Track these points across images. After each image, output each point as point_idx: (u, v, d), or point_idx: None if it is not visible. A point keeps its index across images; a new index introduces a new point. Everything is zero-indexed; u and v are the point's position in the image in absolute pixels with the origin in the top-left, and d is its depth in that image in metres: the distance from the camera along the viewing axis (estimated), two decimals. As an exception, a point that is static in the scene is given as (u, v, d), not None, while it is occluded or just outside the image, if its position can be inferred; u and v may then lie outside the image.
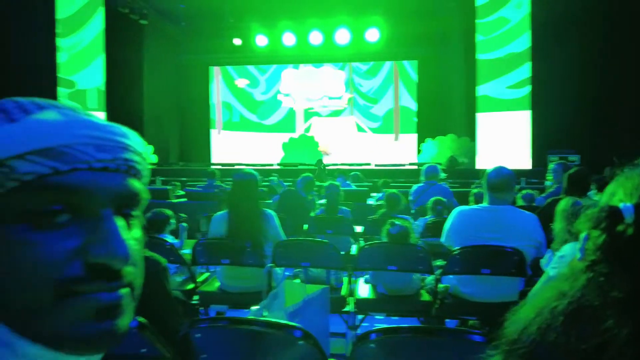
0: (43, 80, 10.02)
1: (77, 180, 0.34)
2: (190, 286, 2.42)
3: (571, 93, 8.60)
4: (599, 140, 8.28)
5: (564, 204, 1.60)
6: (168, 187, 5.17)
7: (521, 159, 9.43)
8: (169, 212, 2.74)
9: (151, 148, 11.71)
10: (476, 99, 9.94)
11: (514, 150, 9.59)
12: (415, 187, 3.87)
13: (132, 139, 0.39)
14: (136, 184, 0.38)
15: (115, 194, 0.36)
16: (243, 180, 2.35)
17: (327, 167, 8.91)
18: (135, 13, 11.02)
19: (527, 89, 9.48)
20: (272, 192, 4.72)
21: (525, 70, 9.48)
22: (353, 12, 11.72)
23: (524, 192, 4.11)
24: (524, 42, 9.46)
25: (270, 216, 2.39)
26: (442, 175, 3.91)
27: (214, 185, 5.08)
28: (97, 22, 10.60)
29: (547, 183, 4.15)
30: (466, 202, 4.25)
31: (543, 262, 1.79)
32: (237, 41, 12.59)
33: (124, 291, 0.36)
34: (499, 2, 9.74)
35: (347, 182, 5.26)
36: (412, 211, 3.67)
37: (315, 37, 12.35)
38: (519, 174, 8.18)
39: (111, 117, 10.72)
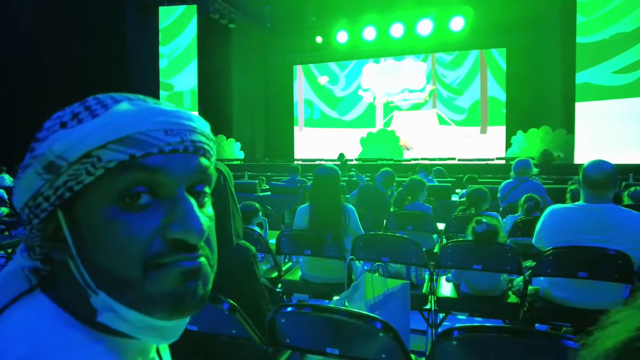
0: (148, 84, 11.22)
1: (151, 163, 0.38)
2: (275, 274, 2.56)
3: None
4: None
5: None
6: (255, 182, 5.47)
7: (629, 152, 8.41)
8: (256, 204, 2.91)
9: (239, 145, 12.46)
10: (575, 87, 9.03)
11: (620, 142, 8.58)
12: (504, 183, 3.64)
13: (197, 121, 0.43)
14: (204, 162, 0.42)
15: (186, 173, 0.40)
16: (324, 176, 2.41)
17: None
18: (225, 18, 11.77)
19: (638, 73, 8.40)
20: (352, 186, 4.77)
21: (634, 53, 8.40)
22: (437, 2, 11.30)
23: (632, 189, 3.67)
24: (632, 21, 8.38)
25: (351, 210, 2.43)
26: (535, 170, 3.62)
27: (297, 180, 5.29)
28: (192, 28, 11.52)
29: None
30: (562, 200, 3.92)
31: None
32: (319, 39, 12.86)
33: (202, 260, 0.40)
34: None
35: (430, 177, 5.11)
36: (501, 209, 3.46)
37: (397, 30, 12.13)
38: (627, 169, 7.31)
39: (203, 116, 11.57)
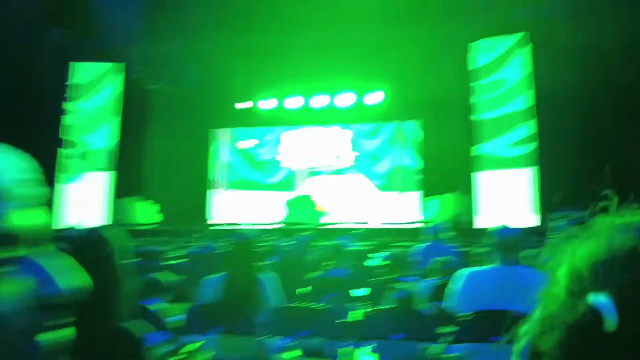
0: (51, 140, 10.35)
1: None
2: (180, 357, 2.24)
3: (577, 149, 8.68)
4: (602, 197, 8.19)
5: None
6: (164, 249, 5.04)
7: (524, 216, 9.31)
8: (162, 275, 2.61)
9: (156, 208, 11.72)
10: (476, 157, 10.03)
11: (517, 208, 9.49)
12: (420, 246, 3.73)
13: None
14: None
15: None
16: (239, 242, 2.24)
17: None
18: (149, 79, 11.56)
19: (529, 146, 9.58)
20: (272, 252, 4.57)
21: (525, 128, 9.65)
22: (357, 76, 12.22)
23: (530, 251, 3.96)
24: (523, 101, 9.73)
25: (269, 280, 2.25)
26: (448, 234, 3.78)
27: (212, 247, 4.96)
28: (111, 86, 11.11)
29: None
30: (472, 263, 4.09)
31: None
32: (242, 105, 13.06)
33: None
34: (495, 65, 10.14)
35: (350, 241, 5.11)
36: (418, 272, 3.50)
37: (320, 100, 12.78)
38: (524, 232, 8.03)
39: (117, 177, 10.87)
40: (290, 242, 4.92)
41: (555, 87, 9.22)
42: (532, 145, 9.52)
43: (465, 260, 3.60)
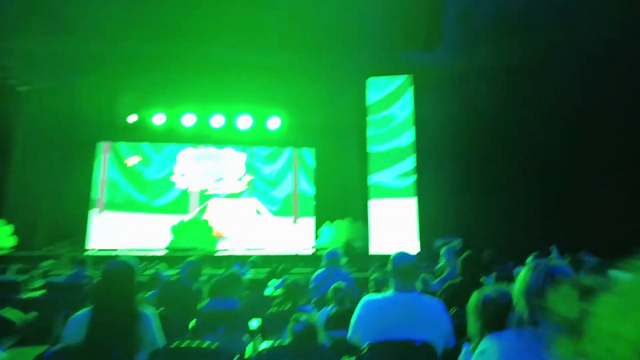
0: None
1: None
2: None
3: (452, 182, 9.65)
4: (477, 226, 9.22)
5: (474, 299, 1.53)
6: (20, 278, 4.21)
7: (410, 243, 9.99)
8: (11, 313, 2.13)
9: (10, 228, 10.00)
10: (369, 186, 10.58)
11: (404, 235, 10.17)
12: (316, 273, 3.67)
13: None
14: None
15: None
16: (115, 271, 1.89)
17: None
18: (16, 78, 9.99)
19: (413, 178, 10.42)
20: (155, 283, 4.09)
21: (410, 161, 10.50)
22: (255, 100, 12.14)
23: (420, 276, 4.18)
24: (409, 137, 10.62)
25: (148, 317, 1.93)
26: (344, 260, 3.79)
27: (83, 276, 4.26)
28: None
29: (439, 267, 4.30)
30: (366, 288, 4.16)
31: (461, 358, 1.66)
32: (132, 118, 12.03)
33: None
34: (386, 102, 10.96)
35: (244, 269, 4.86)
36: (313, 300, 3.42)
37: (217, 120, 12.40)
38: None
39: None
40: (175, 271, 4.51)
41: (433, 125, 10.29)
42: (414, 178, 10.38)
43: (361, 285, 3.63)
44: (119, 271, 1.89)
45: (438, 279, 3.87)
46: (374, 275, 3.55)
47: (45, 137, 11.35)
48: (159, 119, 12.15)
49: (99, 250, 10.22)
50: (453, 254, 3.99)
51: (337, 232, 11.00)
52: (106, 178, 12.54)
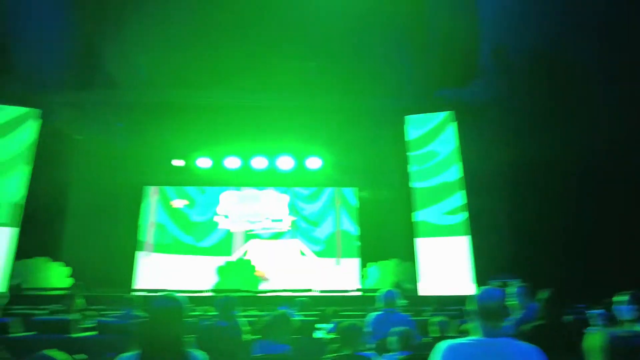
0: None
1: None
2: None
3: (505, 220, 9.09)
4: (533, 265, 8.54)
5: (600, 339, 1.26)
6: (75, 318, 4.19)
7: (464, 284, 9.37)
8: (58, 355, 2.00)
9: (68, 270, 10.32)
10: (415, 224, 10.16)
11: (456, 275, 9.57)
12: (372, 315, 3.38)
13: None
14: None
15: None
16: (163, 309, 1.73)
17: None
18: (72, 127, 10.68)
19: (462, 215, 9.92)
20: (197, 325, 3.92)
21: (458, 197, 10.05)
22: (296, 141, 12.28)
23: (437, 318, 3.77)
24: (454, 172, 10.24)
25: (199, 359, 1.75)
26: (402, 302, 3.49)
27: (131, 316, 4.19)
28: (27, 133, 10.08)
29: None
30: (426, 332, 3.80)
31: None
32: (177, 162, 12.45)
33: None
34: (428, 138, 10.74)
35: (292, 310, 4.61)
36: (372, 345, 3.12)
37: (259, 162, 12.58)
38: (465, 300, 8.01)
39: (23, 234, 9.54)
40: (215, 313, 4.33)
41: (480, 159, 9.89)
42: (465, 215, 9.87)
43: (421, 329, 3.30)
44: (167, 307, 1.74)
45: (510, 322, 3.47)
46: (437, 319, 3.22)
47: (97, 182, 11.90)
48: (203, 163, 12.50)
49: (148, 290, 10.28)
50: (525, 294, 3.60)
51: (384, 273, 10.54)
52: (154, 221, 12.87)
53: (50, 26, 10.44)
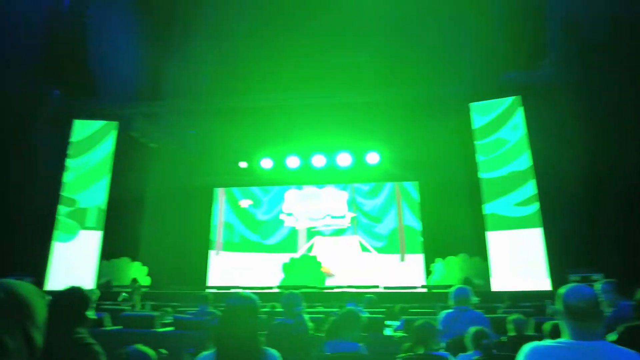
0: (48, 197, 10.12)
1: None
2: None
3: (582, 208, 8.38)
4: (619, 258, 7.80)
5: None
6: (155, 314, 4.50)
7: (539, 279, 8.78)
8: (148, 350, 2.15)
9: (145, 269, 11.11)
10: (484, 217, 9.66)
11: (531, 270, 8.99)
12: (444, 313, 3.26)
13: None
14: None
15: None
16: (237, 306, 1.76)
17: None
18: (146, 137, 11.49)
19: (534, 206, 9.29)
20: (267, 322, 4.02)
21: (529, 188, 9.42)
22: (354, 137, 12.21)
23: (513, 316, 3.49)
24: (525, 160, 9.59)
25: (274, 358, 1.79)
26: (475, 299, 3.32)
27: (206, 312, 4.41)
28: (108, 144, 10.97)
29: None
30: (503, 331, 3.60)
31: None
32: (242, 164, 12.97)
33: None
34: (495, 126, 10.14)
35: (360, 307, 4.60)
36: (443, 344, 3.01)
37: (318, 160, 12.70)
38: (541, 296, 7.48)
39: (107, 236, 10.42)
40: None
41: (551, 145, 9.16)
42: (537, 206, 9.23)
43: (497, 327, 3.13)
44: (242, 305, 1.78)
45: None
46: (514, 317, 3.04)
47: (171, 186, 12.70)
48: (265, 163, 12.88)
49: (218, 287, 10.79)
50: (612, 291, 3.29)
51: (451, 269, 10.18)
52: (223, 221, 13.49)
53: (124, 46, 11.32)
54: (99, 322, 4.31)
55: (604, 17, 8.81)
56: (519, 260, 9.07)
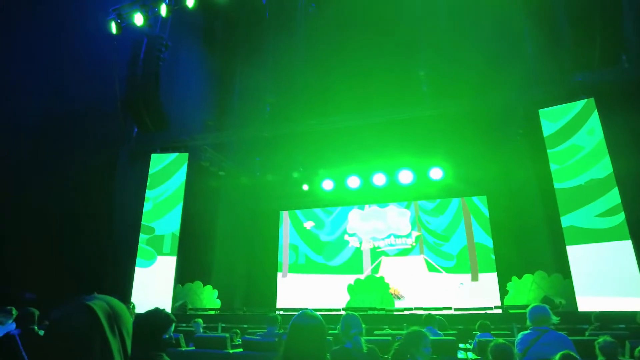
0: (130, 226, 11.08)
1: None
2: None
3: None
4: None
5: None
6: (226, 335, 4.68)
7: (632, 298, 7.89)
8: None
9: (216, 292, 11.61)
10: (564, 229, 8.93)
11: (621, 287, 8.12)
12: (521, 335, 3.06)
13: None
14: None
15: None
16: (304, 326, 1.80)
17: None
18: (215, 166, 12.20)
19: (620, 216, 8.45)
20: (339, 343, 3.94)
21: (612, 196, 8.61)
22: (415, 154, 12.00)
23: (600, 339, 3.09)
24: (604, 167, 8.82)
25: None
26: (555, 319, 3.08)
27: (275, 334, 4.50)
28: (181, 174, 11.79)
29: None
30: (592, 356, 3.31)
31: None
32: (305, 187, 13.27)
33: None
34: (568, 131, 9.48)
35: (434, 329, 4.44)
36: (522, 368, 2.83)
37: (379, 179, 12.62)
38: (635, 316, 6.71)
39: (181, 261, 11.07)
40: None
41: (634, 152, 8.34)
42: (622, 216, 8.38)
43: (583, 350, 2.88)
44: (308, 324, 1.81)
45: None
46: (602, 339, 2.79)
47: (239, 212, 13.29)
48: (327, 185, 13.06)
49: (285, 309, 10.96)
50: None
51: (527, 287, 9.50)
52: (288, 243, 13.80)
53: (191, 83, 12.28)
54: (176, 343, 4.57)
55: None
56: (607, 276, 8.26)
